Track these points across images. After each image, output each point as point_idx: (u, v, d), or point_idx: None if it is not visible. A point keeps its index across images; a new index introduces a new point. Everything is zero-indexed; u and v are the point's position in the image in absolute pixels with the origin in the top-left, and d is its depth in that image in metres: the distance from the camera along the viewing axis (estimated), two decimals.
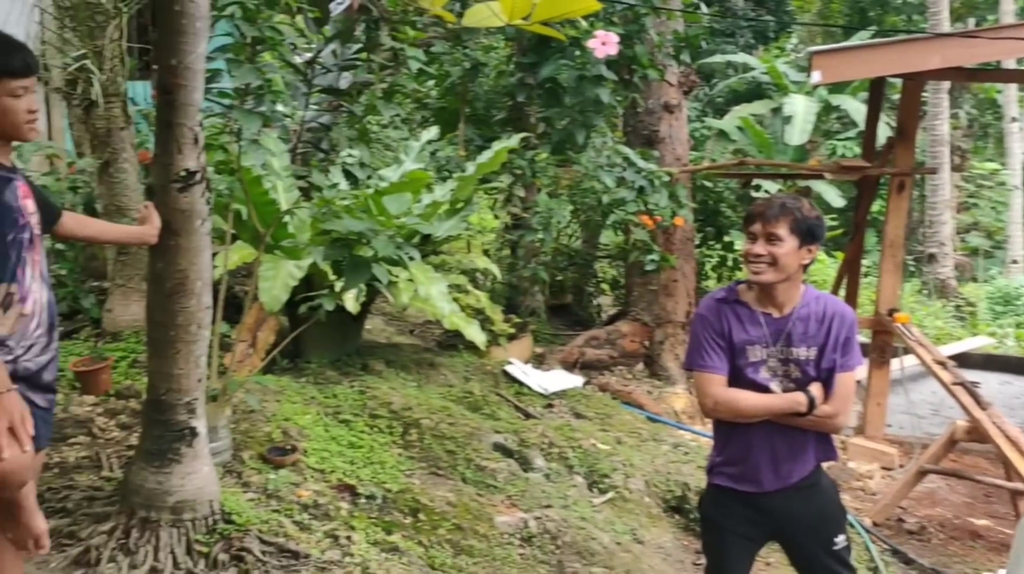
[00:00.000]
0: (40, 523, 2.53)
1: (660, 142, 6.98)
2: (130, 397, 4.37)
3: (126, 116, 4.61)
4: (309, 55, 6.49)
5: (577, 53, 6.08)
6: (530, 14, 2.35)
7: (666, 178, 6.29)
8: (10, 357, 2.33)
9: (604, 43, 5.48)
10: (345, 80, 6.82)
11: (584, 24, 5.75)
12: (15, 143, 2.50)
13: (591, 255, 7.66)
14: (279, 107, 3.70)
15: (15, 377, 2.36)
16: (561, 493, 4.09)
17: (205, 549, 3.17)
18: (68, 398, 4.33)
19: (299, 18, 6.16)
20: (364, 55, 6.34)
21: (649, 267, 5.92)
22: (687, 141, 7.35)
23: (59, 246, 4.87)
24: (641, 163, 5.97)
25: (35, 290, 2.38)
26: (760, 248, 2.67)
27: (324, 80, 6.73)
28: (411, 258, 3.40)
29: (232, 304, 5.41)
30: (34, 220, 2.39)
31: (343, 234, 3.24)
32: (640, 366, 6.97)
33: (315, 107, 6.65)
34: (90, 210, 5.04)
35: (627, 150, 6.15)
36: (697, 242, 7.66)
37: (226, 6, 3.39)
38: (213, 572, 3.11)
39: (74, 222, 2.78)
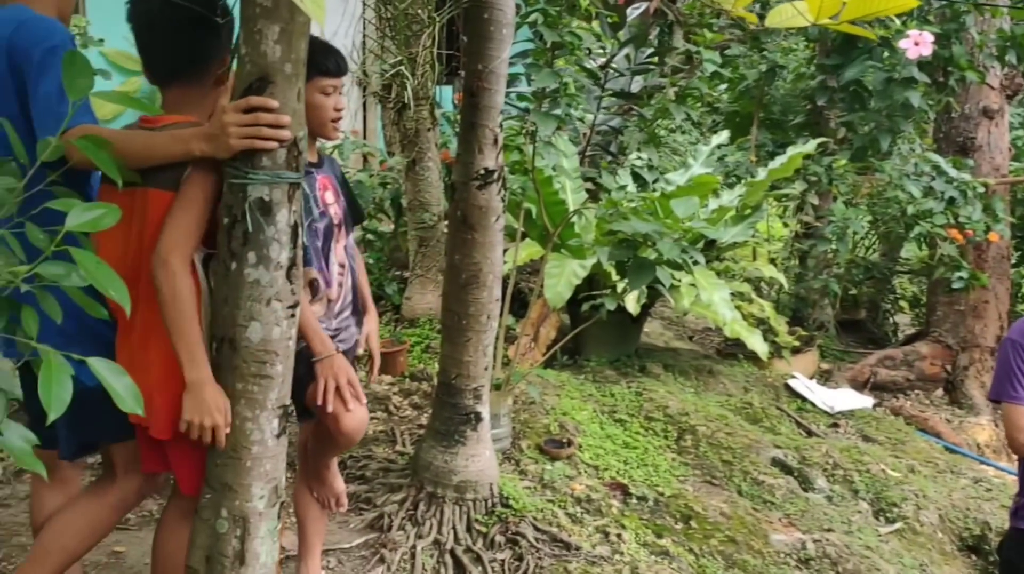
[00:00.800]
0: (340, 485, 2.78)
1: (976, 150, 6.36)
2: (422, 380, 4.68)
3: (433, 118, 4.95)
4: (603, 59, 6.63)
5: (886, 54, 5.70)
6: (839, 13, 2.23)
7: (981, 189, 5.74)
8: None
9: (917, 43, 5.09)
10: (637, 84, 6.89)
11: (896, 23, 5.38)
12: (331, 143, 2.74)
13: (890, 269, 7.14)
14: (572, 109, 3.81)
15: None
16: (844, 517, 3.86)
17: (484, 529, 3.33)
18: (369, 376, 4.72)
19: (595, 23, 6.31)
20: (657, 59, 6.37)
21: (956, 286, 5.42)
22: (1008, 150, 6.65)
23: (369, 237, 5.32)
24: (953, 172, 5.49)
25: (337, 276, 2.59)
26: None
27: (616, 84, 6.84)
28: (695, 262, 3.36)
29: (518, 299, 5.65)
30: (334, 210, 2.57)
31: (629, 235, 3.27)
32: (939, 392, 6.41)
33: (606, 110, 6.78)
34: (397, 205, 5.47)
35: (937, 158, 5.68)
36: (1014, 260, 6.90)
37: (529, 13, 3.53)
38: (489, 551, 3.25)
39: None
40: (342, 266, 2.63)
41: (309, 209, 2.54)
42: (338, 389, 2.34)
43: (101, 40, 5.20)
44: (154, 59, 2.08)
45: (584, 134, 6.30)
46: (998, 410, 4.50)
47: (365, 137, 7.78)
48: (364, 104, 7.51)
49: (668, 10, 6.51)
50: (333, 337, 2.59)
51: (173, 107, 2.08)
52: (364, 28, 5.18)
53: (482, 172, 3.21)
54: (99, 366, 1.56)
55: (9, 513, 3.30)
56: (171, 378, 1.98)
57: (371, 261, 5.36)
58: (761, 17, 2.52)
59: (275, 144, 1.82)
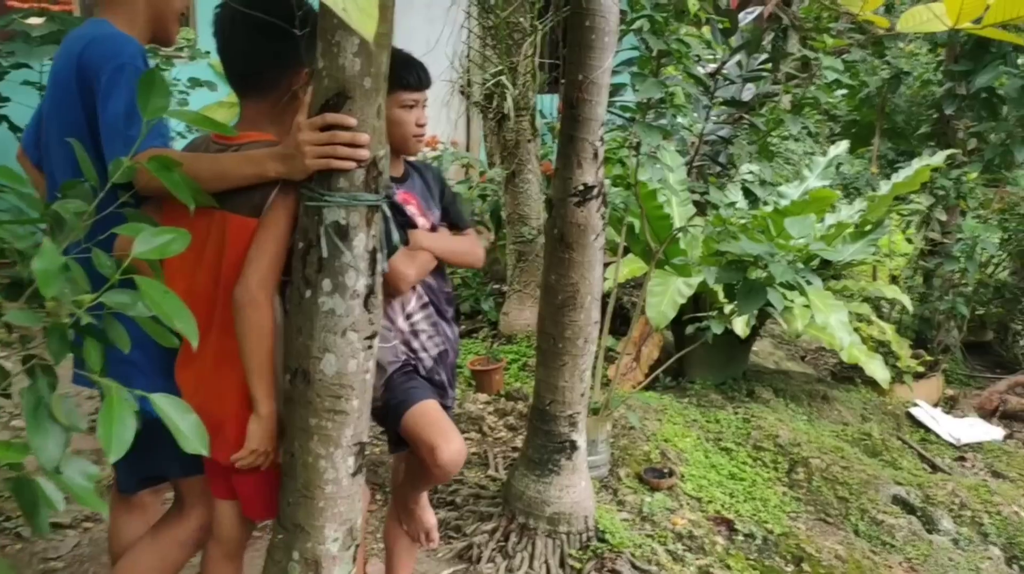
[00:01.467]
0: (431, 518, 2.66)
1: None
2: (518, 399, 4.53)
3: (533, 129, 4.81)
4: (713, 66, 6.36)
5: (1021, 60, 5.27)
6: (982, 16, 1.97)
7: None
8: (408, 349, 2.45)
9: None
10: (748, 92, 6.58)
11: None
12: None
13: (1021, 288, 6.61)
14: (679, 119, 3.59)
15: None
16: (972, 564, 3.52)
17: (578, 565, 3.16)
18: (464, 394, 4.61)
19: (706, 29, 6.05)
20: (770, 66, 6.06)
21: None
22: None
23: None
24: None
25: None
26: None
27: (727, 92, 6.55)
28: (809, 283, 3.10)
29: (619, 316, 5.45)
30: (421, 222, 2.44)
31: (738, 256, 3.04)
32: None
33: (716, 119, 6.50)
34: (496, 217, 5.35)
35: None
36: None
37: (635, 19, 3.35)
38: None
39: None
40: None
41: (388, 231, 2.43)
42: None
43: (207, 52, 5.25)
44: (230, 69, 1.99)
45: (692, 144, 6.05)
46: None
47: (468, 148, 7.72)
48: (468, 114, 7.44)
49: (783, 15, 6.20)
50: (410, 342, 2.45)
51: (249, 123, 1.99)
52: (467, 37, 5.08)
53: (581, 188, 3.04)
54: (163, 403, 1.47)
55: (101, 528, 3.30)
56: (244, 407, 1.89)
57: (468, 275, 5.24)
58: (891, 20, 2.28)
59: (353, 164, 1.70)
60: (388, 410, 2.33)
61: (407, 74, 2.39)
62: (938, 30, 2.04)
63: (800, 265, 3.10)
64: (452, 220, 2.71)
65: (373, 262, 1.79)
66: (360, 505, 1.92)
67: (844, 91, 6.24)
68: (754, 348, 6.17)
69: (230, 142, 1.92)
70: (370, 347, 1.82)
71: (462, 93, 5.88)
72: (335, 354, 1.77)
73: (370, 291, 1.79)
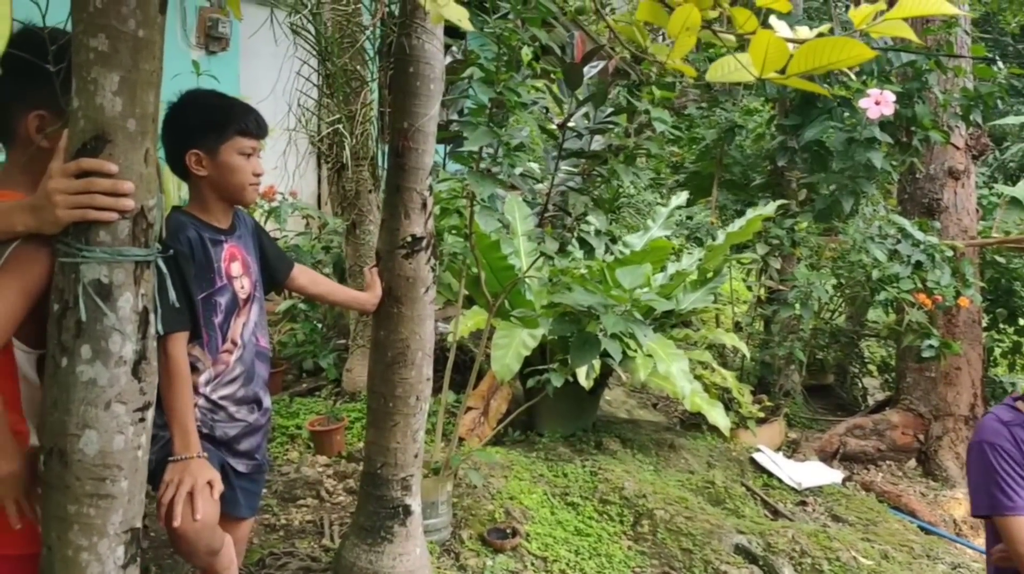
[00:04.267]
0: None
1: (942, 211, 6.18)
2: (360, 460, 4.31)
3: (374, 179, 4.67)
4: (559, 119, 6.40)
5: (846, 114, 5.53)
6: (785, 66, 1.95)
7: (949, 252, 5.53)
8: (206, 419, 2.27)
9: (878, 102, 4.90)
10: (597, 143, 6.66)
11: (855, 82, 5.20)
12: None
13: (856, 332, 6.90)
14: (533, 166, 3.53)
15: (213, 439, 2.29)
16: None
17: None
18: (302, 457, 4.36)
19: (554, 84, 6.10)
20: (620, 118, 6.15)
21: (927, 354, 5.16)
22: (975, 211, 6.48)
23: (302, 305, 4.99)
24: (919, 235, 5.28)
25: (234, 355, 2.31)
26: None
27: (575, 144, 6.61)
28: (645, 336, 3.06)
29: (466, 369, 5.32)
30: (240, 284, 2.32)
31: (571, 307, 2.97)
32: (912, 463, 6.13)
33: (566, 171, 6.53)
34: (340, 269, 5.15)
35: (902, 220, 5.47)
36: (985, 324, 6.68)
37: (465, 67, 3.28)
38: None
39: (306, 278, 2.74)
40: (234, 343, 2.33)
41: (211, 280, 2.26)
42: (190, 494, 2.04)
43: None
44: None
45: (544, 195, 6.05)
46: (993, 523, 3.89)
47: (319, 200, 7.49)
48: (319, 165, 7.23)
49: (630, 69, 6.32)
50: (216, 421, 2.29)
51: (10, 177, 1.76)
52: (303, 85, 4.91)
53: (409, 239, 2.92)
54: None
55: None
56: None
57: (305, 332, 5.02)
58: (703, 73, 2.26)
59: (114, 215, 1.51)
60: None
61: (246, 120, 2.28)
62: (746, 80, 2.02)
63: (636, 315, 3.05)
64: (273, 264, 2.56)
65: (144, 324, 1.59)
66: None
67: (683, 145, 6.40)
68: (606, 397, 6.16)
69: None
70: (142, 420, 1.62)
71: (312, 143, 5.70)
72: (97, 430, 1.56)
73: (140, 357, 1.59)
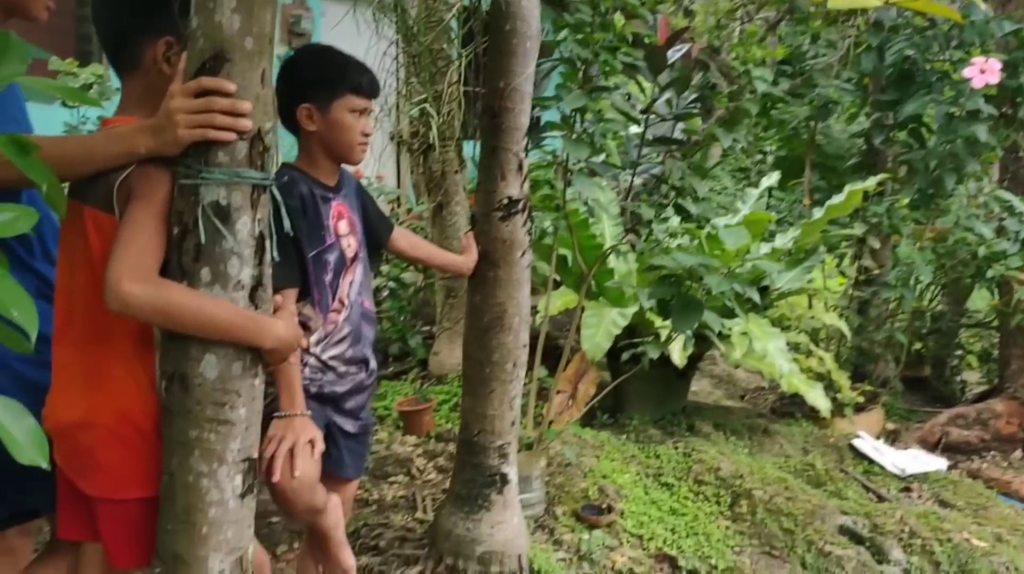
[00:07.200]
0: (348, 558, 2.41)
1: None
2: (449, 440, 4.30)
3: (460, 159, 4.65)
4: (643, 104, 6.31)
5: (947, 88, 5.30)
6: None
7: None
8: (315, 378, 2.26)
9: (983, 71, 4.68)
10: (680, 131, 6.55)
11: (957, 53, 4.99)
12: None
13: (956, 322, 6.61)
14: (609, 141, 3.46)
15: (321, 398, 2.28)
16: None
17: None
18: (392, 436, 4.36)
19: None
20: (700, 105, 6.03)
21: None
22: None
23: (391, 285, 5.00)
24: None
25: (343, 315, 2.29)
26: None
27: (658, 130, 6.51)
28: (750, 301, 2.96)
29: (554, 353, 5.27)
30: (347, 242, 2.30)
31: (672, 270, 2.89)
32: (1018, 453, 5.83)
33: (647, 158, 6.44)
34: None
35: (1009, 195, 5.22)
36: None
37: (562, 28, 3.24)
38: None
39: (406, 241, 2.70)
40: (342, 303, 2.31)
41: (321, 238, 2.25)
42: (291, 451, 2.02)
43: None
44: (104, 47, 1.78)
45: (625, 187, 5.96)
46: None
47: (398, 183, 7.52)
48: (398, 150, 7.25)
49: (711, 61, 6.20)
50: (324, 379, 2.27)
51: (124, 108, 1.77)
52: (390, 66, 4.93)
53: (505, 202, 2.87)
54: None
55: None
56: (118, 430, 1.64)
57: (393, 312, 5.02)
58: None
59: (233, 135, 1.50)
60: None
61: (360, 79, 2.26)
62: (871, 5, 1.93)
63: (739, 281, 2.95)
64: (375, 225, 2.54)
65: (261, 250, 1.58)
66: (251, 532, 1.68)
67: (775, 129, 6.22)
68: (693, 388, 6.03)
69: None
70: None
71: (393, 138, 5.71)
72: (216, 355, 1.55)
73: (257, 283, 1.58)
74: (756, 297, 2.91)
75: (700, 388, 6.11)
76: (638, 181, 5.73)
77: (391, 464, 4.09)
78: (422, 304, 5.50)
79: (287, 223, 1.69)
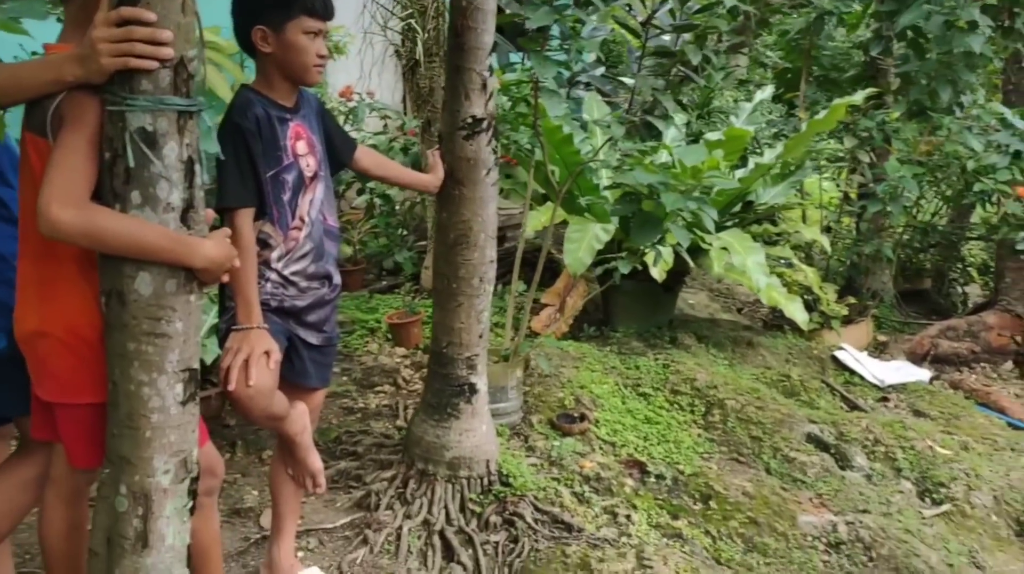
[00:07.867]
0: (315, 462, 2.56)
1: None
2: None
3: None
4: (643, 16, 6.24)
5: None
6: None
7: None
8: (276, 292, 2.36)
9: None
10: (685, 43, 6.46)
11: None
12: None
13: (957, 235, 6.60)
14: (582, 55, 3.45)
15: (282, 311, 2.39)
16: (883, 498, 3.49)
17: (478, 509, 3.09)
18: (381, 348, 4.51)
19: None
20: (702, 17, 5.95)
21: (1021, 247, 4.93)
22: None
23: (377, 200, 5.07)
24: (1020, 123, 4.98)
25: (303, 232, 2.38)
26: None
27: (658, 42, 6.44)
28: (711, 219, 3.02)
29: (549, 268, 5.36)
30: (305, 162, 2.37)
31: (633, 187, 2.95)
32: (1008, 365, 5.90)
33: (649, 70, 6.38)
34: (417, 168, 5.22)
35: (1003, 108, 5.16)
36: None
37: None
38: (483, 532, 3.01)
39: (369, 160, 2.74)
40: (302, 220, 2.40)
41: (277, 158, 2.32)
42: (247, 362, 2.15)
43: None
44: None
45: (626, 99, 5.94)
46: None
47: (404, 104, 7.51)
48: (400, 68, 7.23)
49: None
50: (285, 294, 2.38)
51: (68, 32, 1.84)
52: None
53: (469, 120, 2.93)
54: None
55: None
56: (68, 342, 1.77)
57: (380, 227, 5.11)
58: None
59: (154, 63, 1.57)
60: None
61: (312, 0, 2.28)
62: None
63: (699, 196, 3.01)
64: (338, 145, 2.60)
65: (191, 173, 1.67)
66: (195, 436, 1.81)
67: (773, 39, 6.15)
68: (690, 300, 6.13)
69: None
70: None
71: (390, 42, 5.67)
72: (150, 272, 1.66)
73: (188, 205, 1.68)
74: (713, 214, 2.97)
75: (698, 301, 6.20)
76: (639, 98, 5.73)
77: (377, 374, 4.25)
78: (419, 220, 5.59)
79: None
